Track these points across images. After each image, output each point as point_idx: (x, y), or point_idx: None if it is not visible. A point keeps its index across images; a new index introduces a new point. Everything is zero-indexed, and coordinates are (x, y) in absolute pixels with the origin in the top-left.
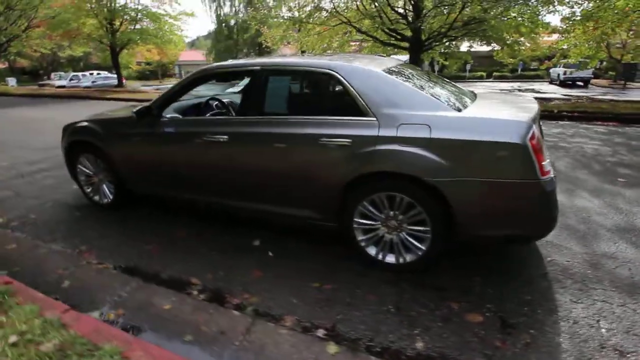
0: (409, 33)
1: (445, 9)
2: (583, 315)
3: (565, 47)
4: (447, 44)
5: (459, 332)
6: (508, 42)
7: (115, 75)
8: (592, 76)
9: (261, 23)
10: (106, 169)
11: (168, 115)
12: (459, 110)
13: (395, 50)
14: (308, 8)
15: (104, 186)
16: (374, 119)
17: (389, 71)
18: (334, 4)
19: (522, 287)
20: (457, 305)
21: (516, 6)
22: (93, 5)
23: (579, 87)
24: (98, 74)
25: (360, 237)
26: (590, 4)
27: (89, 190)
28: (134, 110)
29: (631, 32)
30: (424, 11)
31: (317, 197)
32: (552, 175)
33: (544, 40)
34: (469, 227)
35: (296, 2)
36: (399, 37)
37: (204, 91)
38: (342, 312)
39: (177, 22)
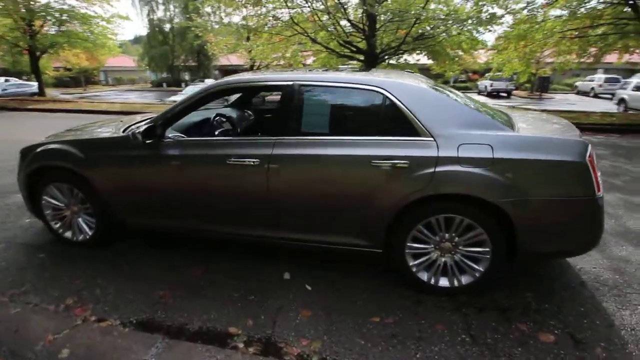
0: (363, 45)
1: (399, 24)
2: (635, 321)
3: (499, 62)
4: (398, 57)
5: (541, 356)
6: (452, 57)
7: (31, 83)
8: (514, 88)
9: (206, 30)
10: (87, 199)
11: (171, 135)
12: (512, 128)
13: (351, 62)
14: (266, 17)
15: (80, 220)
16: (431, 139)
17: (434, 88)
18: (291, 15)
19: (571, 299)
20: (526, 327)
21: (455, 26)
22: (3, 4)
23: (503, 97)
24: (6, 80)
25: (411, 262)
26: (525, 25)
27: (57, 225)
28: (137, 131)
29: (553, 50)
30: (378, 26)
31: (366, 223)
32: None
33: (480, 55)
34: (529, 246)
35: (252, 10)
36: (354, 49)
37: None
38: (419, 350)
39: (110, 25)
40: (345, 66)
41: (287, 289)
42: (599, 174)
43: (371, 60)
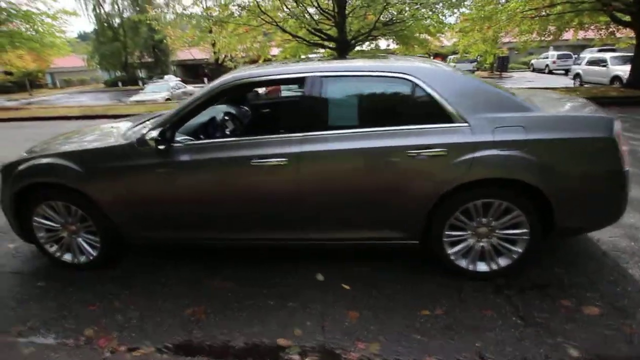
0: (334, 33)
1: (368, 10)
2: None
3: (465, 44)
4: (369, 43)
5: (594, 329)
6: (420, 41)
7: None
8: (476, 69)
9: (163, 24)
10: (88, 217)
11: (180, 139)
12: (538, 109)
13: (321, 50)
14: (228, 7)
15: (80, 240)
16: (466, 124)
17: (459, 72)
18: (258, 3)
19: (599, 270)
20: (569, 302)
21: (423, 10)
22: None
23: None
24: None
25: (449, 250)
26: (489, 7)
27: (53, 249)
28: (148, 137)
29: (515, 30)
30: (347, 11)
31: (403, 215)
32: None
33: (445, 38)
34: (565, 222)
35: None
36: (324, 36)
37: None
38: (477, 339)
39: (56, 22)
40: (315, 54)
41: (324, 291)
42: (625, 148)
43: (343, 47)
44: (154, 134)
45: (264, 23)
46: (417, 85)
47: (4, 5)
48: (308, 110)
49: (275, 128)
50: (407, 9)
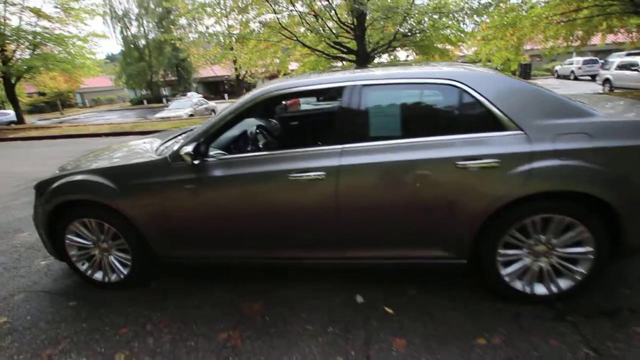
0: (353, 45)
1: (387, 21)
2: None
3: (487, 51)
4: (389, 54)
5: None
6: (441, 50)
7: (7, 111)
8: None
9: (188, 43)
10: (120, 234)
11: (213, 153)
12: (599, 114)
13: (340, 62)
14: (247, 25)
15: (112, 258)
16: (521, 132)
17: (508, 76)
18: (278, 19)
19: None
20: None
21: (444, 19)
22: None
23: None
24: None
25: (503, 271)
26: (512, 14)
27: (85, 267)
28: (183, 152)
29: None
30: (367, 24)
31: (451, 232)
32: None
33: (467, 47)
34: (633, 239)
35: (236, 19)
36: (344, 49)
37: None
38: None
39: (87, 44)
40: (334, 67)
41: (365, 315)
42: None
43: (363, 59)
44: (188, 149)
45: (284, 38)
46: (464, 91)
47: (39, 30)
48: (348, 121)
49: (313, 140)
50: (426, 19)
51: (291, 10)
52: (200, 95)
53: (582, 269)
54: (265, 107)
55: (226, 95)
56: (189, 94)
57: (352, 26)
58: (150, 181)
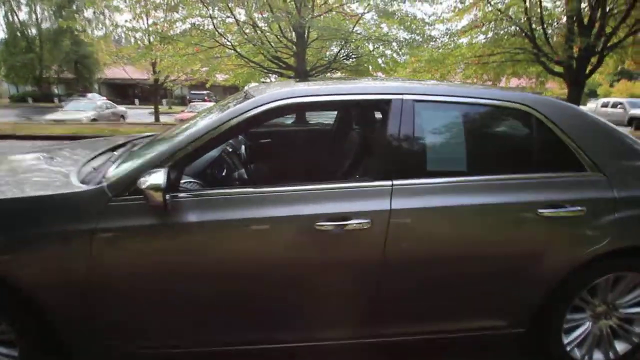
0: (292, 62)
1: (328, 42)
2: None
3: None
4: (329, 75)
5: None
6: (374, 78)
7: None
8: None
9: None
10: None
11: (184, 182)
12: None
13: (279, 77)
14: (184, 25)
15: None
16: (601, 174)
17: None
18: (215, 25)
19: None
20: None
21: (382, 48)
22: None
23: None
24: None
25: (566, 340)
26: (442, 51)
27: None
28: (145, 183)
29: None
30: (310, 41)
31: (520, 295)
32: None
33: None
34: None
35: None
36: (283, 65)
37: None
38: None
39: None
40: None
41: None
42: None
43: (301, 77)
44: (156, 179)
45: (218, 45)
46: (539, 120)
47: None
48: (396, 148)
49: (335, 171)
50: (369, 45)
51: (228, 17)
52: (104, 98)
53: (638, 329)
54: (277, 117)
55: (137, 101)
56: (89, 95)
57: (293, 42)
58: (66, 229)
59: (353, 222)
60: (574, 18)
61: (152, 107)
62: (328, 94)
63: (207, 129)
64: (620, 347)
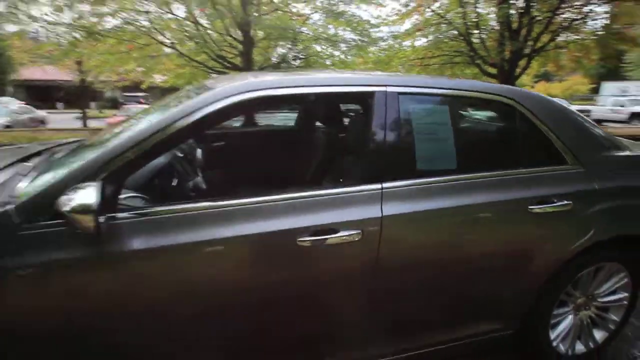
0: (238, 62)
1: (275, 42)
2: None
3: None
4: None
5: None
6: None
7: None
8: None
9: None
10: None
11: (125, 197)
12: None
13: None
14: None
15: None
16: (580, 167)
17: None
18: (151, 20)
19: None
20: None
21: (330, 50)
22: None
23: None
24: None
25: (552, 335)
26: (388, 52)
27: None
28: (25, 203)
29: None
30: (258, 39)
31: (513, 295)
32: None
33: None
34: None
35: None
36: (228, 65)
37: None
38: None
39: None
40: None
41: None
42: None
43: None
44: (87, 197)
45: (156, 43)
46: (521, 114)
47: None
48: (384, 146)
49: (313, 177)
50: (315, 44)
51: (167, 12)
52: (22, 103)
53: (615, 316)
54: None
55: (60, 105)
56: (3, 98)
57: (239, 41)
58: None
59: (341, 235)
60: (505, 23)
61: (79, 111)
62: (305, 85)
63: (154, 129)
64: (599, 335)
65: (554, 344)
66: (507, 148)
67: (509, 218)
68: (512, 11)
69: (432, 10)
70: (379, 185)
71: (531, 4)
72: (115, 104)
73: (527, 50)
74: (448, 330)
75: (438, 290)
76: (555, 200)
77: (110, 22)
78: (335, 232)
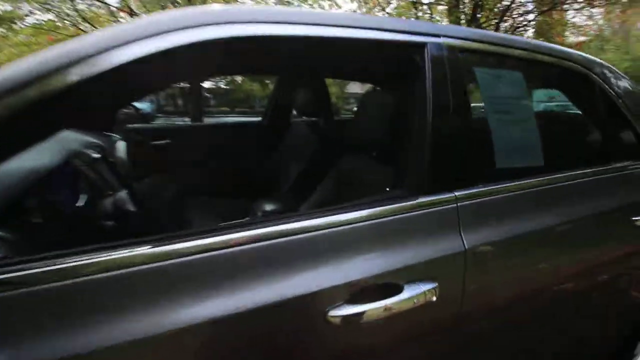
0: None
1: None
2: None
3: None
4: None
5: None
6: None
7: None
8: None
9: None
10: None
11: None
12: None
13: None
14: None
15: None
16: None
17: None
18: (79, 12)
19: None
20: None
21: None
22: None
23: None
24: None
25: None
26: None
27: None
28: None
29: None
30: None
31: (607, 327)
32: None
33: None
34: None
35: None
36: None
37: None
38: None
39: None
40: None
41: None
42: None
43: None
44: None
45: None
46: (601, 89)
47: None
48: (450, 132)
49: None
50: None
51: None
52: None
53: None
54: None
55: None
56: None
57: None
58: None
59: (406, 296)
60: None
61: None
62: (320, 24)
63: (29, 74)
64: None
65: None
66: (591, 136)
67: (612, 233)
68: (462, 20)
69: (388, 13)
70: (451, 195)
71: (478, 11)
72: None
73: None
74: None
75: (521, 327)
76: None
77: (26, 9)
78: (397, 291)
